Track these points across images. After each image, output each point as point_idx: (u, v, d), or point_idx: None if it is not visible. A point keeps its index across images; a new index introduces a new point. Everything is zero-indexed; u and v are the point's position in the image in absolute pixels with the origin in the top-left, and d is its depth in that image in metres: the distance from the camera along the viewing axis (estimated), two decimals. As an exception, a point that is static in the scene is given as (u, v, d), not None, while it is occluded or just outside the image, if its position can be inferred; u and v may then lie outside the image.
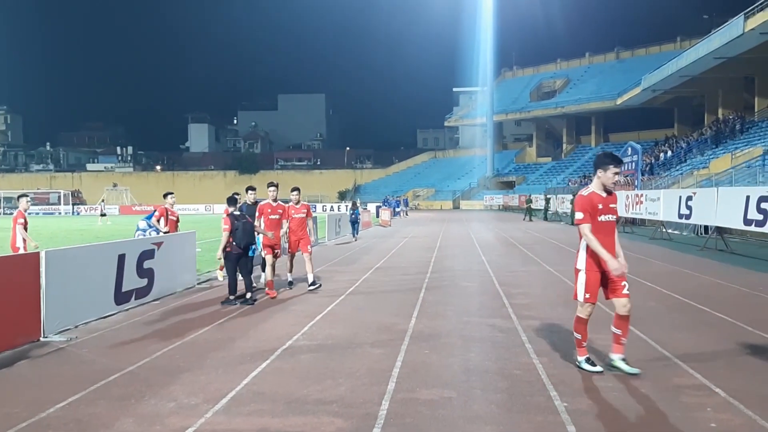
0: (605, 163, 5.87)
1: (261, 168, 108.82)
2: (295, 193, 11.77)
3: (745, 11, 34.27)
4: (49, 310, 7.68)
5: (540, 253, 18.04)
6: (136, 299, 9.83)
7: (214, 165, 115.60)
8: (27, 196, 11.99)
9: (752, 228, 15.94)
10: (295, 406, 5.09)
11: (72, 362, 6.63)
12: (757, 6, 33.44)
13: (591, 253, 5.79)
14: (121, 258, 9.44)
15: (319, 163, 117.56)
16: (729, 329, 7.73)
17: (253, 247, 10.63)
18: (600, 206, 5.77)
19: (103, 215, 47.14)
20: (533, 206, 44.72)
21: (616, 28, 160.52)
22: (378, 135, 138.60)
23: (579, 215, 5.85)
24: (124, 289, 9.48)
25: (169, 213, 12.70)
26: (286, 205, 11.67)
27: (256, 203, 11.59)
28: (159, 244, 10.57)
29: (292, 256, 12.10)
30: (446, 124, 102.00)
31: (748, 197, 15.80)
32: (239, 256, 10.08)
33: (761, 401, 4.97)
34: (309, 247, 11.70)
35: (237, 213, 10.19)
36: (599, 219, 5.78)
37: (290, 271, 12.09)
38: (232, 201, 10.35)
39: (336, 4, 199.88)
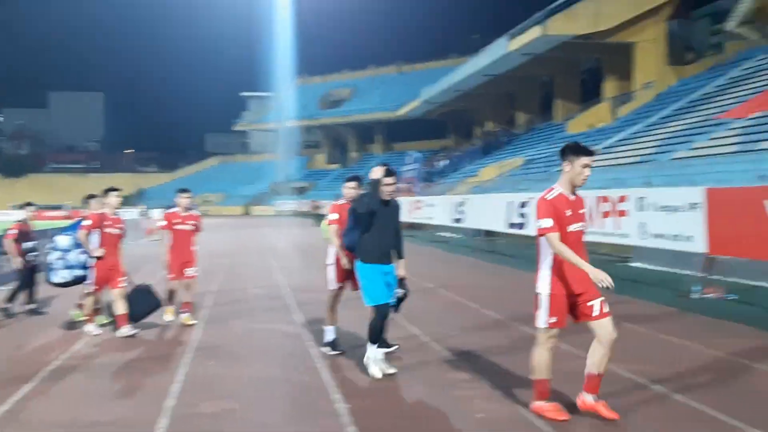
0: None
1: (29, 171, 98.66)
2: (352, 184, 7.18)
3: (509, 32, 37.69)
4: None
5: (328, 258, 18.38)
6: None
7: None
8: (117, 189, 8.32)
9: (515, 230, 17.69)
10: (62, 433, 4.69)
11: None
12: (518, 28, 36.97)
13: None
14: None
15: (98, 165, 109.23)
16: (494, 324, 8.52)
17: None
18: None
19: None
20: (321, 212, 45.52)
21: (399, 42, 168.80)
22: (163, 137, 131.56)
23: None
24: None
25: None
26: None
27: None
28: None
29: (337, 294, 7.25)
30: (235, 128, 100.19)
31: (511, 203, 17.51)
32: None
33: (522, 392, 5.42)
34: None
35: None
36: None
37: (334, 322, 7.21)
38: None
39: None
